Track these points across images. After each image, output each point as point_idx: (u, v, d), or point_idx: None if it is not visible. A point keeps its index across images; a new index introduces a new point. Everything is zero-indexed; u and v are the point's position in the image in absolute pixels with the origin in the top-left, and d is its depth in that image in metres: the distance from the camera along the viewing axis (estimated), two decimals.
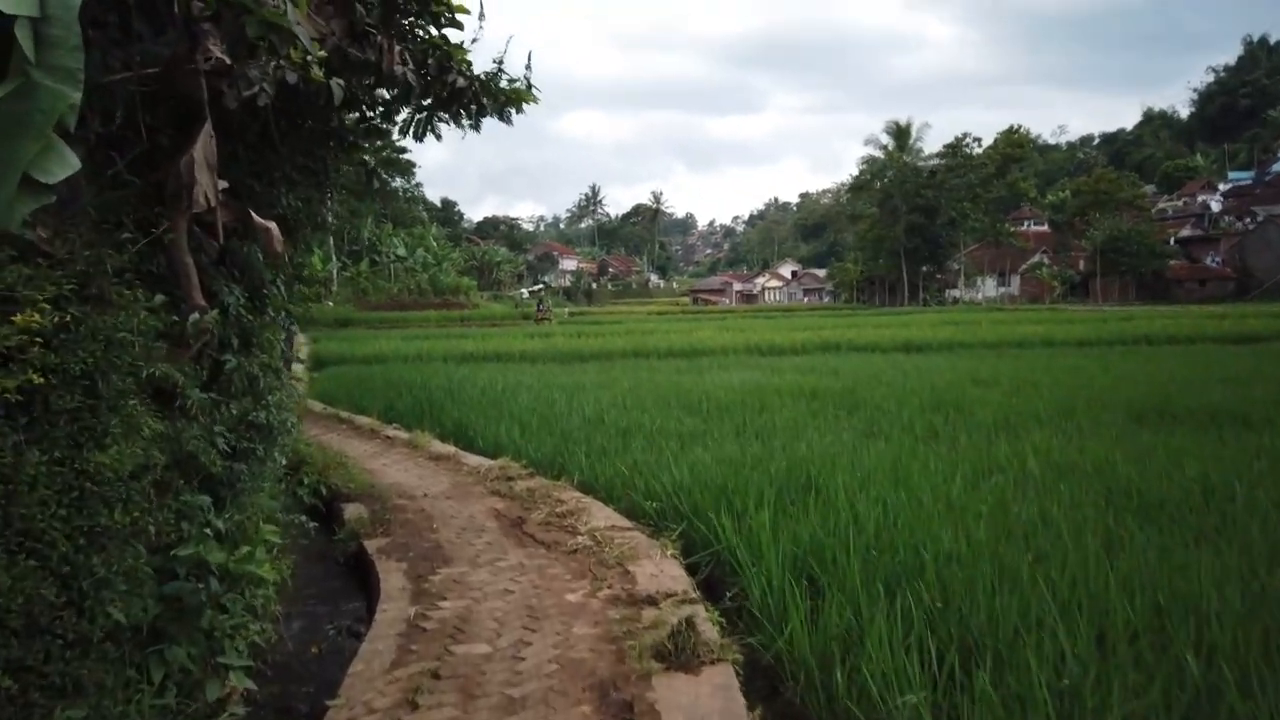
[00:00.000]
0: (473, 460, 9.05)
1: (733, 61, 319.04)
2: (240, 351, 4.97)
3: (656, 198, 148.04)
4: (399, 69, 3.83)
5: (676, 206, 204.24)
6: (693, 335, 30.82)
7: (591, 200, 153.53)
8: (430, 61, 4.67)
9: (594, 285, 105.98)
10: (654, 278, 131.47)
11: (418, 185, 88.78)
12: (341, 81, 3.23)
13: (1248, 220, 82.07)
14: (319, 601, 6.03)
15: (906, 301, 79.31)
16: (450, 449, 9.69)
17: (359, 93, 4.62)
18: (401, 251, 66.19)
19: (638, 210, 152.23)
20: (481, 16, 5.34)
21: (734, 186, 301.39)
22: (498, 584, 5.13)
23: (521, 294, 75.77)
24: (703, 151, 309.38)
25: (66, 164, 2.22)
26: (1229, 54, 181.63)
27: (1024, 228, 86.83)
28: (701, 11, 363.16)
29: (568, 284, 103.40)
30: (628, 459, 8.32)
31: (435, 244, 70.76)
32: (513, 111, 5.97)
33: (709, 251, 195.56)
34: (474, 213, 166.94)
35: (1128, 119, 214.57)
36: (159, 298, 3.86)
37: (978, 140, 79.98)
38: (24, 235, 2.76)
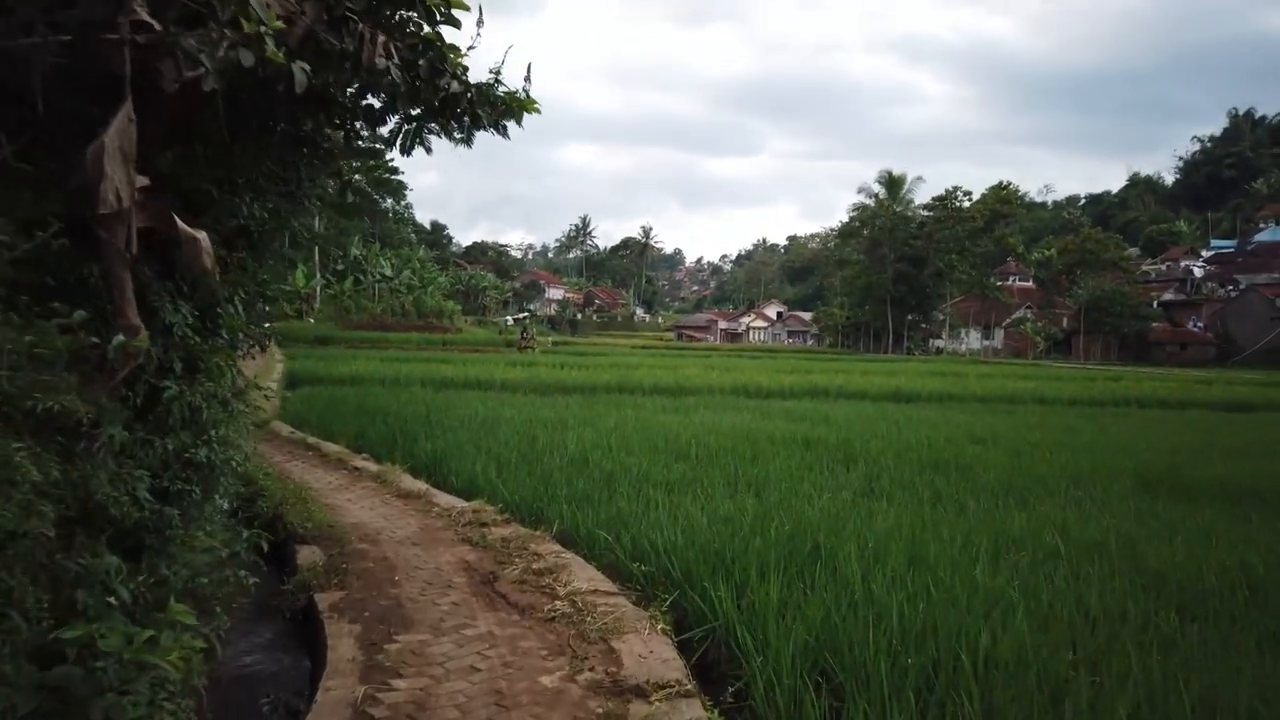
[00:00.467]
0: (444, 500, 8.38)
1: (731, 104, 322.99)
2: (183, 379, 4.34)
3: (646, 232, 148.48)
4: (381, 62, 3.27)
5: (666, 242, 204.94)
6: (678, 372, 30.27)
7: (581, 231, 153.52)
8: (421, 63, 4.12)
9: (579, 316, 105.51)
10: (639, 311, 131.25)
11: (408, 206, 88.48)
12: (306, 66, 2.67)
13: (1230, 288, 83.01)
14: (261, 660, 5.35)
15: (891, 349, 79.29)
16: (421, 486, 9.01)
17: (334, 89, 4.05)
18: (388, 271, 65.45)
19: (627, 244, 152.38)
20: (480, 22, 4.81)
21: (724, 225, 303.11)
22: (463, 659, 4.47)
23: (506, 321, 75.07)
24: (696, 189, 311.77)
25: None
26: (1213, 125, 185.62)
27: (1009, 282, 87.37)
28: (702, 54, 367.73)
29: (553, 313, 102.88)
30: (612, 508, 7.70)
31: (422, 266, 70.07)
32: (509, 125, 5.43)
33: (695, 288, 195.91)
34: (463, 237, 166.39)
35: (1113, 182, 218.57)
36: (78, 314, 3.25)
37: (968, 194, 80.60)
38: None
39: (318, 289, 59.09)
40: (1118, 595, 5.22)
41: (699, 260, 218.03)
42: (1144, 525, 7.44)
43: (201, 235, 3.34)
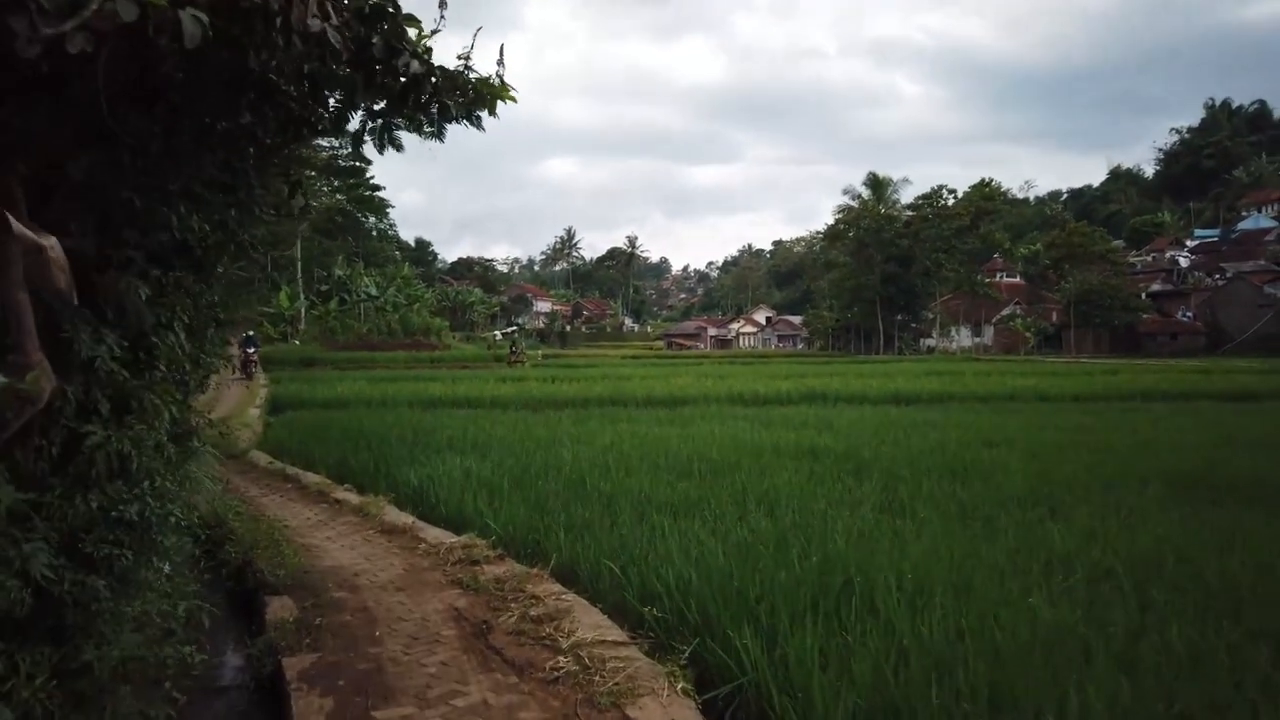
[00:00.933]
0: (432, 535, 7.71)
1: (709, 113, 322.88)
2: (110, 422, 3.68)
3: (632, 242, 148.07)
4: (315, 23, 2.64)
5: (652, 251, 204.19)
6: (671, 382, 29.67)
7: (567, 244, 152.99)
8: (375, 40, 3.49)
9: (568, 328, 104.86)
10: (628, 321, 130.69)
11: (391, 225, 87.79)
12: (203, 16, 2.05)
13: (1217, 276, 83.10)
14: None
15: (882, 350, 79.00)
16: (407, 519, 8.33)
17: (273, 74, 3.41)
18: (373, 291, 64.67)
19: (613, 254, 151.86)
20: (443, 4, 4.17)
21: (709, 233, 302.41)
22: None
23: (494, 336, 74.34)
24: (679, 199, 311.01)
25: None
26: (1188, 117, 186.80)
27: (997, 279, 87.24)
28: (679, 65, 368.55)
29: (541, 326, 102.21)
30: (614, 537, 7.07)
31: (407, 284, 69.30)
32: (483, 116, 4.81)
33: (683, 296, 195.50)
34: (449, 254, 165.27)
35: (1092, 176, 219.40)
36: None
37: (953, 192, 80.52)
38: None
39: (302, 310, 58.31)
40: (1194, 623, 4.61)
41: (685, 268, 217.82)
42: (1194, 534, 6.84)
43: (50, 243, 2.69)
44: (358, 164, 70.79)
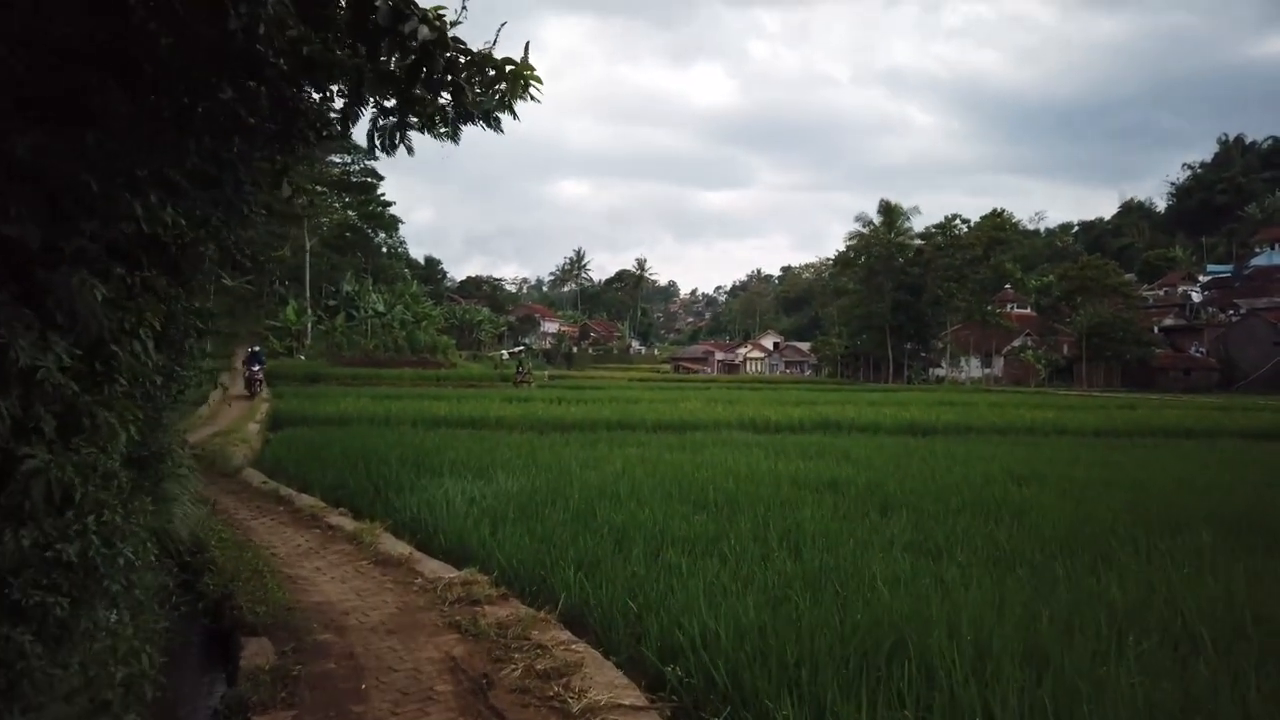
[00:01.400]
0: (430, 568, 7.12)
1: (722, 137, 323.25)
2: (56, 444, 3.14)
3: (640, 265, 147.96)
4: None
5: (660, 274, 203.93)
6: (680, 406, 29.07)
7: (576, 264, 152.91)
8: (378, 3, 2.99)
9: (574, 349, 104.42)
10: (635, 343, 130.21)
11: (401, 241, 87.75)
12: None
13: (1230, 312, 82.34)
14: None
15: (891, 378, 78.28)
16: (403, 549, 7.74)
17: (260, 44, 2.90)
18: (380, 307, 64.34)
19: (621, 276, 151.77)
20: None
21: (718, 257, 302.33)
22: None
23: (501, 355, 73.92)
24: (689, 222, 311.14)
25: None
26: (1201, 151, 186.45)
27: (1007, 310, 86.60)
28: (693, 89, 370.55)
29: (548, 346, 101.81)
30: (627, 575, 6.49)
31: (415, 301, 68.98)
32: (502, 117, 4.33)
33: (690, 320, 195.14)
34: (458, 272, 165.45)
35: (1103, 209, 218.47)
36: None
37: (966, 221, 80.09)
38: None
39: (309, 325, 57.96)
40: None
41: (693, 292, 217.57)
42: (1268, 589, 6.22)
43: None
44: (369, 180, 70.98)
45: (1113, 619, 5.29)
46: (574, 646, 5.07)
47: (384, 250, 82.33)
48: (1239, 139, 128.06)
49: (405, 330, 62.55)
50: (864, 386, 63.92)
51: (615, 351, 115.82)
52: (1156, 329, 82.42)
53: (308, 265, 60.02)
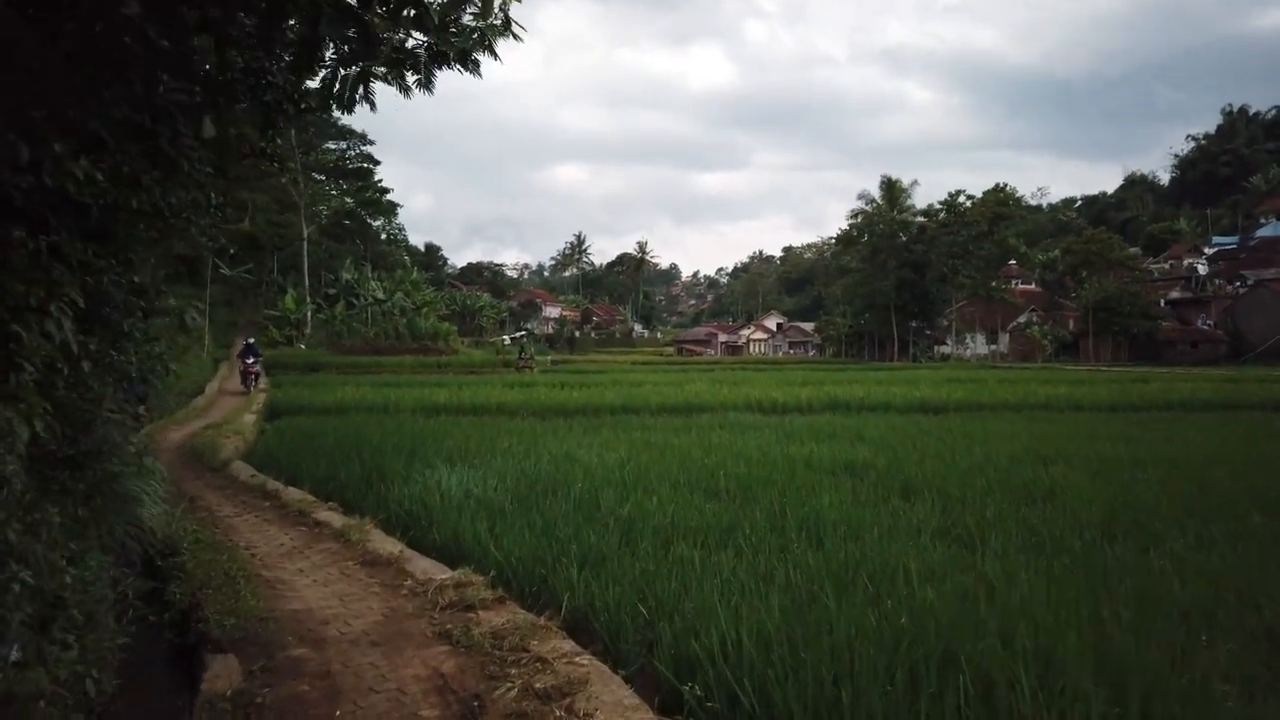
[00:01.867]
0: (421, 568, 6.56)
1: (719, 119, 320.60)
2: None
3: (641, 248, 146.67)
4: None
5: (661, 257, 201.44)
6: (685, 388, 28.54)
7: (577, 249, 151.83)
8: None
9: (577, 334, 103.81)
10: (638, 327, 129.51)
11: (400, 228, 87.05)
12: None
13: (1237, 284, 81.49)
14: None
15: (896, 357, 77.59)
16: (393, 548, 7.16)
17: None
18: (380, 295, 63.70)
19: (622, 260, 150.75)
20: None
21: (718, 239, 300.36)
22: None
23: (503, 341, 73.33)
24: (688, 205, 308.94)
25: None
26: (1205, 124, 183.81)
27: (1012, 285, 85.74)
28: (690, 72, 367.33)
29: (550, 331, 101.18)
30: (635, 572, 5.95)
31: (415, 288, 68.32)
32: (479, 58, 3.75)
33: (693, 302, 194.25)
34: (458, 259, 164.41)
35: (1106, 183, 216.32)
36: None
37: (971, 197, 79.09)
38: None
39: (308, 314, 57.36)
40: None
41: (695, 274, 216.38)
42: None
43: None
44: (365, 165, 70.21)
45: (1181, 616, 4.73)
46: (578, 659, 4.50)
47: (383, 237, 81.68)
48: (1243, 110, 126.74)
49: (406, 317, 61.96)
50: (870, 365, 63.31)
51: (618, 335, 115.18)
52: (1162, 302, 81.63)
53: (305, 253, 59.38)
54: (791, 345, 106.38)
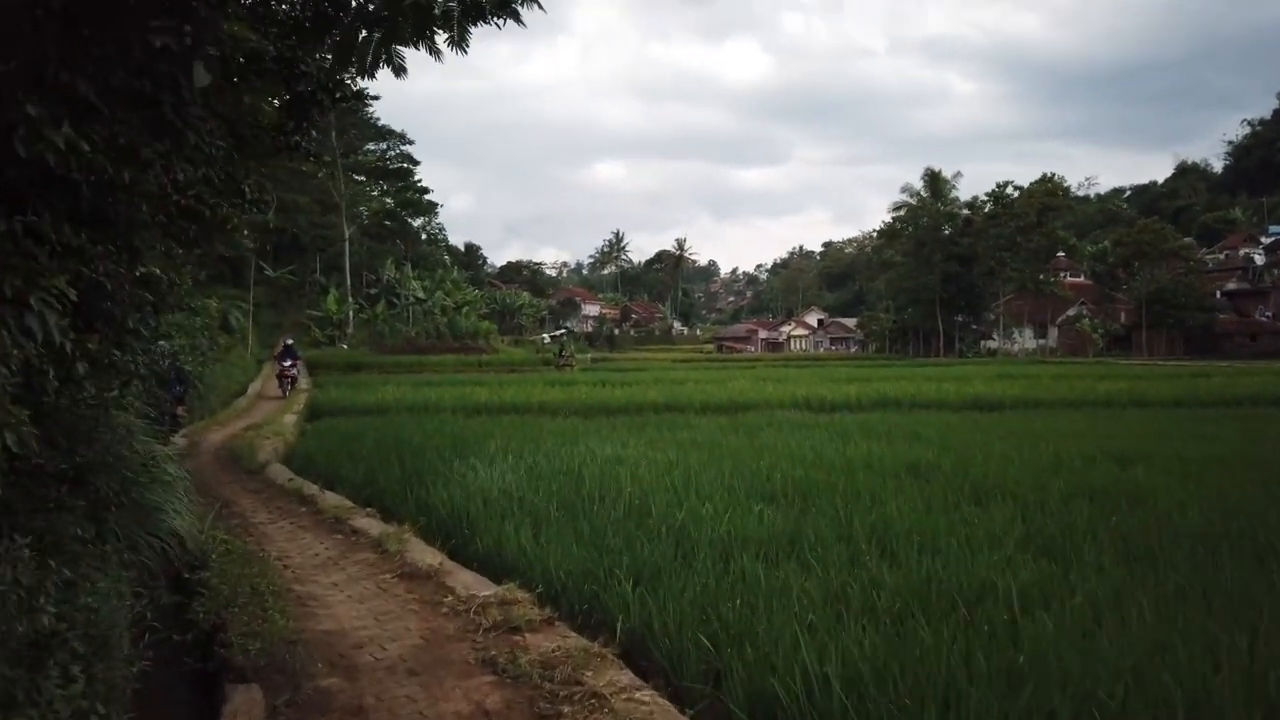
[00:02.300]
0: (463, 582, 6.10)
1: (756, 114, 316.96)
2: None
3: (680, 245, 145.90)
4: None
5: (700, 254, 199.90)
6: (728, 386, 28.00)
7: (615, 246, 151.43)
8: None
9: (616, 331, 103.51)
10: (677, 324, 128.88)
11: (440, 228, 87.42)
12: None
13: None
14: None
15: (942, 352, 76.05)
16: (433, 559, 6.71)
17: None
18: (420, 294, 63.89)
19: (661, 257, 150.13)
20: None
21: (757, 235, 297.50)
22: None
23: (543, 339, 73.21)
24: (727, 200, 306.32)
25: None
26: (1259, 109, 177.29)
27: (1061, 278, 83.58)
28: (726, 65, 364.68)
29: (590, 329, 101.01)
30: (694, 587, 5.45)
31: (455, 287, 68.45)
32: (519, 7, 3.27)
33: (732, 299, 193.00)
34: (497, 258, 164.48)
35: (1156, 172, 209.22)
36: None
37: (1019, 188, 77.23)
38: None
39: (350, 314, 57.67)
40: None
41: (734, 271, 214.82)
42: None
43: None
44: (405, 165, 70.51)
45: None
46: (639, 694, 3.99)
47: (423, 237, 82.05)
48: None
49: (446, 316, 62.04)
50: (915, 361, 62.15)
51: (657, 333, 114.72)
52: (1219, 294, 79.03)
53: (347, 254, 59.76)
54: (833, 341, 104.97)
